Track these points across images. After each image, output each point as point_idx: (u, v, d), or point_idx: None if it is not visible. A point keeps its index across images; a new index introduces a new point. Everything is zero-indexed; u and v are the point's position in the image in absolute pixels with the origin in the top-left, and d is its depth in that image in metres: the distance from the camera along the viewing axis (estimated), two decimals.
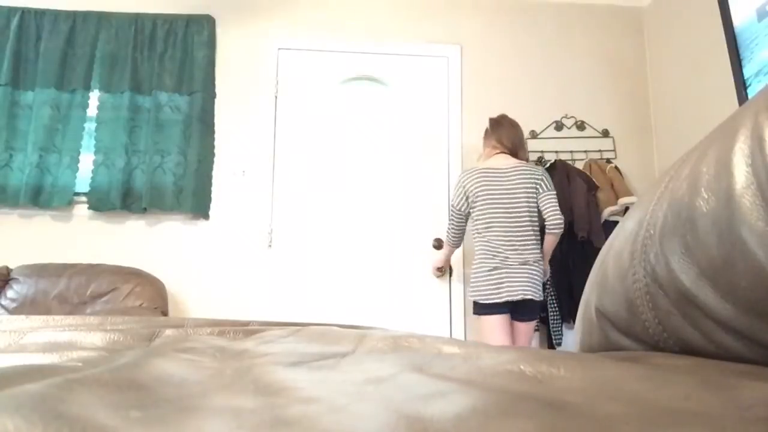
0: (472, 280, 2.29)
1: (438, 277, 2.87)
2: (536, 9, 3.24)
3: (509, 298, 2.18)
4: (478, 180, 2.33)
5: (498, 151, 2.42)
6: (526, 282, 2.20)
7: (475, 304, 2.28)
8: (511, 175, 2.31)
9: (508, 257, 2.22)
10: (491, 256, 2.24)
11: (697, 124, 2.76)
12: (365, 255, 2.90)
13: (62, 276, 2.52)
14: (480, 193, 2.30)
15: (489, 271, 2.23)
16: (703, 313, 0.38)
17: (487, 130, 2.53)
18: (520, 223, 2.26)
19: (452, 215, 2.44)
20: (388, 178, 2.99)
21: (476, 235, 2.33)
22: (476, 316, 2.30)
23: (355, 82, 3.10)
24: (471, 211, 2.35)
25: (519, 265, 2.22)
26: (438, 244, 2.89)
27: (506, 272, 2.21)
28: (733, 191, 0.35)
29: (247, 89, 3.01)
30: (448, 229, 2.49)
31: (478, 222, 2.31)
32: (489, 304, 2.21)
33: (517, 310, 2.25)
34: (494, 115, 2.57)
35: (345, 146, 3.01)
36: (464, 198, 2.35)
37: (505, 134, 2.43)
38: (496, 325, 2.21)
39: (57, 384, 0.31)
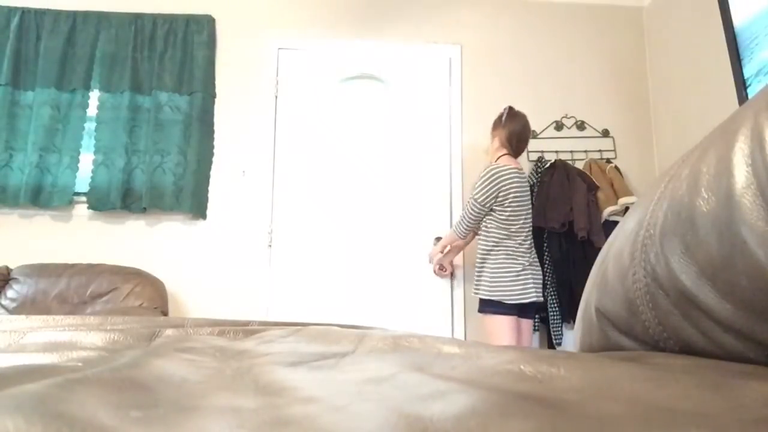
0: (496, 279, 2.22)
1: (443, 276, 2.84)
2: (536, 9, 3.24)
3: (536, 299, 2.23)
4: (513, 180, 2.27)
5: (507, 152, 2.39)
6: (541, 283, 2.34)
7: (489, 302, 2.22)
8: (525, 178, 2.37)
9: (531, 260, 2.29)
10: (519, 255, 2.24)
11: (697, 124, 2.76)
12: (366, 254, 2.90)
13: (62, 276, 2.52)
14: (514, 194, 2.26)
15: (519, 272, 2.22)
16: (703, 313, 0.38)
17: (500, 120, 2.42)
18: (531, 226, 2.37)
19: (475, 209, 2.30)
20: (388, 178, 2.99)
21: (502, 235, 2.26)
22: (486, 314, 2.24)
23: (356, 81, 3.10)
24: (494, 209, 2.28)
25: (538, 266, 2.35)
26: None
27: (531, 273, 2.25)
28: (733, 191, 0.35)
29: (247, 89, 3.01)
30: (465, 220, 2.34)
31: (510, 222, 2.26)
32: (512, 304, 2.19)
33: (525, 308, 2.25)
34: (494, 115, 2.49)
35: (345, 146, 3.01)
36: (495, 196, 2.26)
37: (523, 135, 2.40)
38: (509, 326, 2.19)
39: (57, 384, 0.31)
